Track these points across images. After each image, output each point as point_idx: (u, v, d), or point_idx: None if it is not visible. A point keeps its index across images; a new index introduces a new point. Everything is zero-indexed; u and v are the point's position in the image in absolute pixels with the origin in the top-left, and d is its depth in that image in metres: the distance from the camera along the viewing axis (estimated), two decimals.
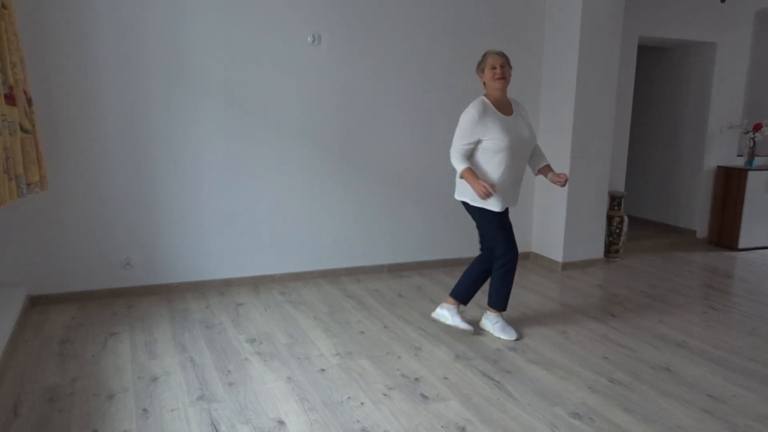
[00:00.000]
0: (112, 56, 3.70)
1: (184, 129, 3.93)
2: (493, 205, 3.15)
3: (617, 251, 5.20)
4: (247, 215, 4.18)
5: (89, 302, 3.84)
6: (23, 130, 3.20)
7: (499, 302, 3.36)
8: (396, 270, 4.69)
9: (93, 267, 3.87)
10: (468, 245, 4.93)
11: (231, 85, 3.99)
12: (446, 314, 3.38)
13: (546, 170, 3.31)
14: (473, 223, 4.92)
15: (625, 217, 5.18)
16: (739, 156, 5.92)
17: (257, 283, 4.29)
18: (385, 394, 2.65)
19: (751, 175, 5.53)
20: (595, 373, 2.91)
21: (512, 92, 4.82)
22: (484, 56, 3.15)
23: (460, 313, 3.39)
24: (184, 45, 3.84)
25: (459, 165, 3.10)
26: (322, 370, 2.90)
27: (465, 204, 3.27)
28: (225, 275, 4.21)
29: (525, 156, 3.22)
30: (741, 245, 5.65)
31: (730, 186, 5.70)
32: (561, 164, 4.76)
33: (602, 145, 4.80)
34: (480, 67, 3.18)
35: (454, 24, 4.54)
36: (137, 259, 3.96)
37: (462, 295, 3.40)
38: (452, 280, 4.48)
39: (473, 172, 3.05)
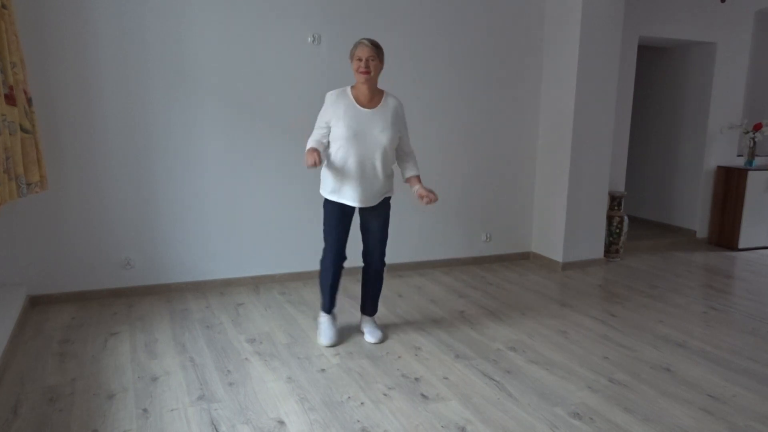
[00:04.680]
0: (113, 56, 3.70)
1: (185, 129, 3.93)
2: (325, 189, 3.11)
3: (617, 251, 5.20)
4: (247, 215, 4.18)
5: (89, 302, 3.84)
6: (23, 130, 3.20)
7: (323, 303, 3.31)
8: (396, 270, 4.68)
9: (93, 267, 3.87)
10: (468, 245, 4.93)
11: (231, 86, 3.99)
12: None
13: (413, 181, 3.15)
14: (473, 223, 4.96)
15: (625, 217, 5.18)
16: (739, 156, 5.92)
17: (257, 283, 4.28)
18: (385, 394, 2.65)
19: (751, 175, 5.53)
20: (595, 373, 2.91)
21: (512, 92, 4.84)
22: (356, 44, 2.97)
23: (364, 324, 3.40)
24: (184, 45, 3.84)
25: (308, 145, 3.00)
26: (322, 370, 2.90)
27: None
28: (225, 275, 4.21)
29: (372, 153, 2.99)
30: (741, 245, 5.65)
31: (730, 186, 5.70)
32: (561, 164, 4.76)
33: (602, 145, 4.80)
34: (350, 54, 3.00)
35: (453, 24, 4.54)
36: (137, 259, 3.96)
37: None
38: (452, 280, 4.48)
39: (312, 148, 2.92)
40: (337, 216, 3.12)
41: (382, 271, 3.33)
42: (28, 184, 3.27)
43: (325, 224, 3.18)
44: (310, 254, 4.42)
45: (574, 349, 3.20)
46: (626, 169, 5.84)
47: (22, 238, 3.67)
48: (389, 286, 4.28)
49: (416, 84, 4.50)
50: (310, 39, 4.13)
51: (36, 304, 3.76)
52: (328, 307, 3.29)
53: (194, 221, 4.05)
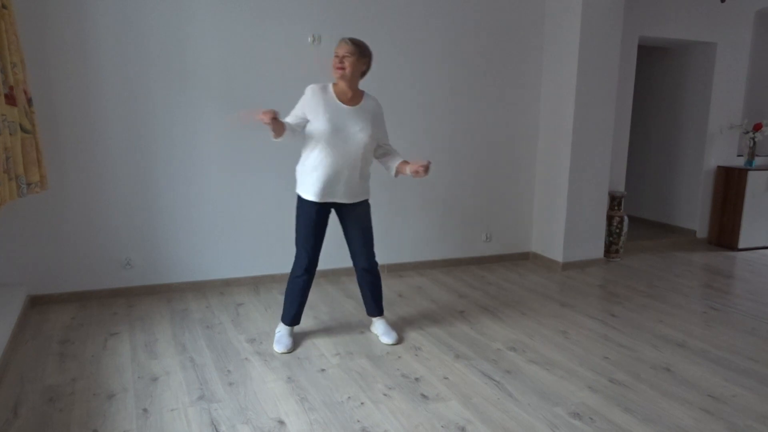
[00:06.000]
0: (113, 56, 3.70)
1: (184, 129, 3.93)
2: (302, 188, 3.03)
3: (617, 251, 5.20)
4: (247, 215, 4.18)
5: (89, 302, 3.84)
6: (23, 130, 3.20)
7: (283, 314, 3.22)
8: (396, 270, 4.69)
9: (93, 267, 3.87)
10: (468, 245, 4.93)
11: (231, 85, 3.99)
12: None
13: (402, 166, 3.07)
14: (474, 223, 4.96)
15: (625, 217, 5.18)
16: (739, 156, 5.92)
17: (257, 283, 4.28)
18: (385, 394, 2.65)
19: (751, 175, 5.53)
20: (595, 373, 2.91)
21: (512, 92, 4.84)
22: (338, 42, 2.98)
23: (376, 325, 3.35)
24: (184, 45, 3.84)
25: None
26: (322, 370, 2.90)
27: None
28: (225, 275, 4.21)
29: (351, 151, 2.96)
30: (741, 245, 5.65)
31: (730, 186, 5.70)
32: (561, 164, 4.76)
33: (602, 145, 4.80)
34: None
35: (453, 24, 4.54)
36: (137, 259, 3.96)
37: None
38: (452, 280, 4.48)
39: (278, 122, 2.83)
40: (314, 219, 3.04)
41: (376, 270, 3.26)
42: (28, 184, 3.27)
43: (299, 229, 3.08)
44: None
45: (574, 349, 3.20)
46: (626, 169, 5.84)
47: (22, 238, 3.67)
48: (389, 286, 4.28)
49: (415, 84, 4.50)
50: (310, 39, 4.13)
51: (36, 304, 3.76)
52: (292, 319, 3.19)
53: (194, 221, 4.05)
